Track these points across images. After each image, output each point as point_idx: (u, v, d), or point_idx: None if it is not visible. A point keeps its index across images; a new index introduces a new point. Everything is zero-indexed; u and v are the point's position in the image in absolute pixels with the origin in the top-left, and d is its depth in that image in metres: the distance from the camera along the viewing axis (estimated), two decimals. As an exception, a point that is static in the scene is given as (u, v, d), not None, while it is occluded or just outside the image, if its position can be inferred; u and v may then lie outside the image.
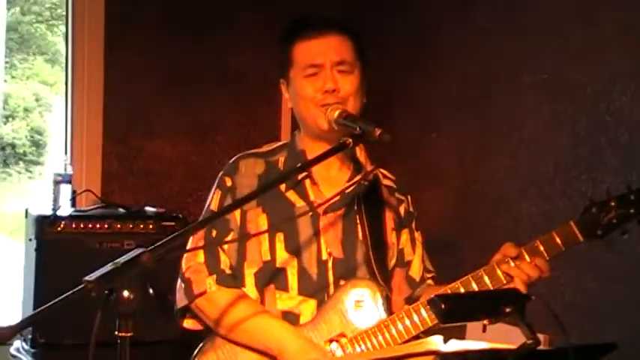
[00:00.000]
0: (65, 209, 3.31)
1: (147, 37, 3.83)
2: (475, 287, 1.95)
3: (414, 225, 2.26)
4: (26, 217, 3.31)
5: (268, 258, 2.04)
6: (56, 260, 3.11)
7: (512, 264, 1.92)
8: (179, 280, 2.12)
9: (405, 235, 2.20)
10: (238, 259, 2.09)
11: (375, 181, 2.18)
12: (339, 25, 2.12)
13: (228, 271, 2.07)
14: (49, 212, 3.23)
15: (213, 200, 2.16)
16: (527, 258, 1.93)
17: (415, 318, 1.98)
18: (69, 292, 1.43)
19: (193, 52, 3.89)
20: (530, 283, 1.92)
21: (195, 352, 2.06)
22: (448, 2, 3.45)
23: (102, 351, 2.29)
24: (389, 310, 2.05)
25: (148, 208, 3.50)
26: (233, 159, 2.19)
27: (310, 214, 2.09)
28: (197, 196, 3.86)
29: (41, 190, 4.56)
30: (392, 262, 2.19)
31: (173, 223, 3.34)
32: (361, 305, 2.05)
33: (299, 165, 2.08)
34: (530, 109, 2.90)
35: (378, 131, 1.82)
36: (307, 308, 2.08)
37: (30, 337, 3.08)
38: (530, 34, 2.89)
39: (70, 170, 3.49)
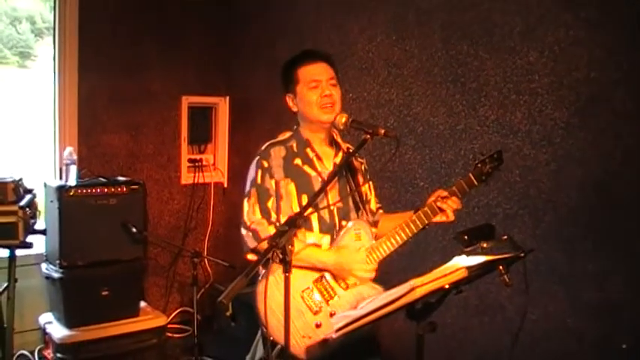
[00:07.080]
0: (71, 181, 4.03)
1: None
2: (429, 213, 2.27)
3: (369, 177, 2.54)
4: (45, 187, 4.02)
5: (298, 211, 2.17)
6: (70, 212, 3.89)
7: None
8: (244, 230, 2.31)
9: (367, 184, 2.51)
10: (278, 214, 2.31)
11: (348, 152, 2.43)
12: (325, 56, 2.41)
13: (277, 223, 2.25)
14: (62, 183, 3.95)
15: (258, 176, 2.34)
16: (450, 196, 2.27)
17: (406, 229, 2.28)
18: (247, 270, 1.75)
19: (127, 83, 4.70)
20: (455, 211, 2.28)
21: (259, 277, 2.24)
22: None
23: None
24: (373, 235, 2.33)
25: (119, 178, 4.25)
26: (264, 146, 2.39)
27: (320, 179, 2.33)
28: (134, 169, 4.86)
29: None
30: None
31: (137, 187, 4.10)
32: (359, 236, 2.31)
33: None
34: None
35: (382, 130, 2.11)
36: (325, 241, 2.32)
37: (57, 261, 3.85)
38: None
39: (74, 156, 4.11)
